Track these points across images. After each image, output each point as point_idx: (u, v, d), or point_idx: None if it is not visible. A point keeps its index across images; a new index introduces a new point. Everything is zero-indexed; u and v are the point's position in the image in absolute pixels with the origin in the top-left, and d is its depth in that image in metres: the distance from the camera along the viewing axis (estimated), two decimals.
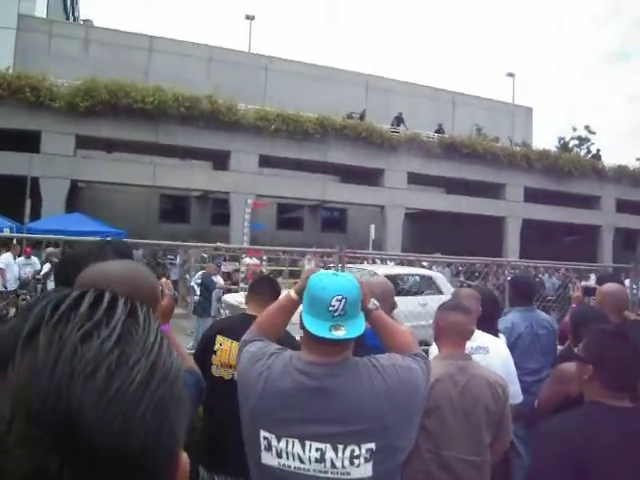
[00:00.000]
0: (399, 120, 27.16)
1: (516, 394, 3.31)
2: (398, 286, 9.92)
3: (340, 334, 1.71)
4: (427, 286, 10.37)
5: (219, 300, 10.63)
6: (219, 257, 15.50)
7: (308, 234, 29.10)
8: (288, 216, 30.05)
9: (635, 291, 7.39)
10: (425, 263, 13.50)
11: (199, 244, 14.17)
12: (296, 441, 1.70)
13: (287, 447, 1.71)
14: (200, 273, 10.74)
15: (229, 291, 10.97)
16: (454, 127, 30.55)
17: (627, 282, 8.11)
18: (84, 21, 32.93)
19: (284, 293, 2.15)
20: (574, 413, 2.11)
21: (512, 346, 3.97)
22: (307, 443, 1.70)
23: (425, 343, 3.02)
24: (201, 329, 9.91)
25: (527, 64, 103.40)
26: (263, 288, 3.12)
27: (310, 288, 1.81)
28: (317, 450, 1.69)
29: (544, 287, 16.97)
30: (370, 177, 25.50)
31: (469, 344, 3.16)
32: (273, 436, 1.73)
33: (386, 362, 1.81)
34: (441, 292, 9.98)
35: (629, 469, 1.93)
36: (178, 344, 2.09)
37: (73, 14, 39.41)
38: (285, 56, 30.97)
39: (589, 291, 3.94)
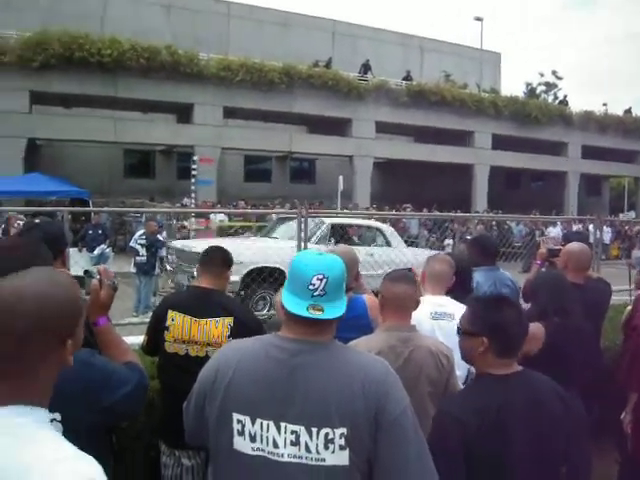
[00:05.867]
0: (366, 67, 26.72)
1: None
2: (347, 234, 10.02)
3: (317, 314, 1.65)
4: (375, 237, 10.34)
5: (162, 260, 10.66)
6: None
7: (276, 185, 28.85)
8: (255, 167, 29.64)
9: (598, 237, 7.60)
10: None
11: (150, 210, 13.84)
12: (271, 423, 1.63)
13: (262, 430, 1.64)
14: (141, 233, 10.74)
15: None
16: (422, 74, 30.22)
17: (591, 228, 8.29)
18: None
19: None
20: (470, 391, 2.12)
21: None
22: (282, 425, 1.63)
23: (375, 293, 2.97)
24: (144, 289, 10.17)
25: (496, 8, 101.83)
26: (215, 260, 3.02)
27: (292, 264, 1.75)
28: (292, 433, 1.62)
29: (512, 234, 17.27)
30: (338, 127, 25.20)
31: (434, 309, 3.12)
32: (247, 418, 1.65)
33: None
34: (389, 244, 9.97)
35: (526, 433, 1.95)
36: (120, 339, 1.97)
37: None
38: (248, 2, 29.93)
39: (553, 252, 3.93)
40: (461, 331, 2.17)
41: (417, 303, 2.60)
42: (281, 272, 8.36)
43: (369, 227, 10.60)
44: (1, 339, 1.17)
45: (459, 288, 3.42)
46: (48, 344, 1.22)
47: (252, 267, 8.35)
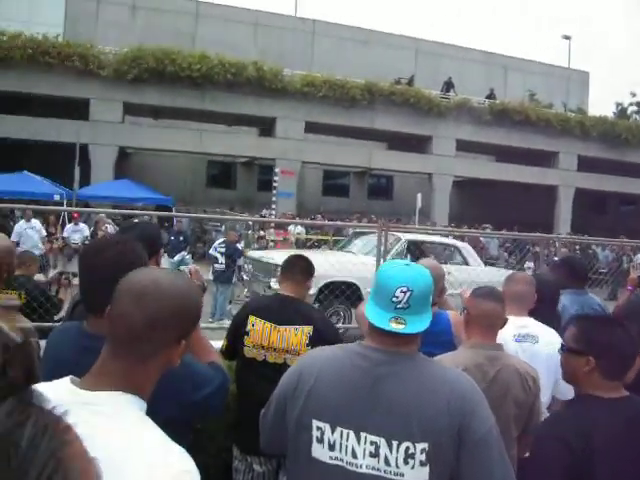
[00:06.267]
0: (449, 85, 26.41)
1: (567, 389, 3.11)
2: (423, 254, 9.76)
3: (399, 328, 1.60)
4: (452, 256, 10.07)
5: (240, 269, 10.74)
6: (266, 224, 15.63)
7: (354, 201, 28.90)
8: (334, 182, 29.84)
9: None
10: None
11: (233, 218, 14.17)
12: (351, 433, 1.61)
13: (341, 439, 1.61)
14: (221, 241, 10.89)
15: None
16: (506, 92, 29.54)
17: None
18: None
19: None
20: (571, 413, 1.98)
21: (562, 329, 3.79)
22: (362, 435, 1.60)
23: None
24: (221, 297, 10.30)
25: (585, 26, 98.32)
26: (296, 268, 3.03)
27: (378, 275, 1.74)
28: (372, 444, 1.59)
29: (597, 259, 16.45)
30: (418, 144, 24.99)
31: (517, 331, 3.00)
32: (327, 426, 1.63)
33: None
34: (467, 263, 9.70)
35: (634, 462, 1.81)
36: (205, 339, 2.00)
37: None
38: (332, 20, 30.41)
39: None
40: (565, 348, 2.06)
41: (504, 322, 2.51)
42: (356, 287, 8.30)
43: (446, 245, 10.37)
44: (133, 316, 1.21)
45: (544, 310, 3.28)
46: (167, 338, 1.25)
47: (328, 280, 8.35)
